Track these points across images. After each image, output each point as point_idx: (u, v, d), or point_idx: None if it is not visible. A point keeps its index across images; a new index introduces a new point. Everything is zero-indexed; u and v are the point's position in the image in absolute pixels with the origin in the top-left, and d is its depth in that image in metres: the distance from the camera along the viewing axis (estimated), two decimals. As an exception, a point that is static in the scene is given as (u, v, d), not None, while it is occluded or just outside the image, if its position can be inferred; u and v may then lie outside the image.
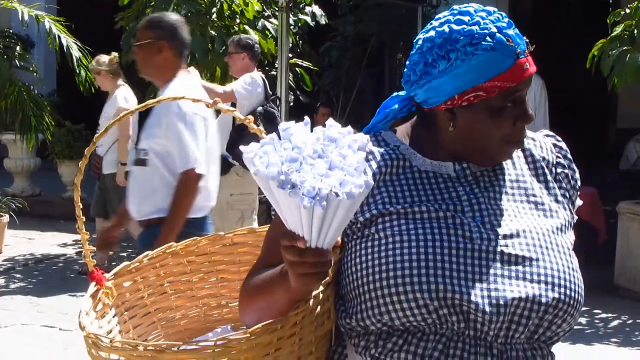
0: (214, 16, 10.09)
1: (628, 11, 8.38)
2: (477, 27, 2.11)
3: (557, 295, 2.04)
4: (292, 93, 11.48)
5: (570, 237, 2.21)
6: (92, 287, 2.33)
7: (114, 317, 2.39)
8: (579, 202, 2.32)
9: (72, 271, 9.92)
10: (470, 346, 2.03)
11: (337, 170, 1.85)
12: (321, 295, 2.07)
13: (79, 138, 12.77)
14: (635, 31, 8.05)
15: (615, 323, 8.08)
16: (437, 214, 2.11)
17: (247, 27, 10.09)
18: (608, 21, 8.65)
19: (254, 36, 9.71)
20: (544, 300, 2.03)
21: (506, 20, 2.15)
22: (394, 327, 2.07)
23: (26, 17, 9.95)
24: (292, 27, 11.14)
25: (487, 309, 2.00)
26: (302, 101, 12.54)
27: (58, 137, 12.25)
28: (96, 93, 10.18)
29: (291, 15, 10.98)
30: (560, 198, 2.25)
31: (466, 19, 2.14)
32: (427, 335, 2.05)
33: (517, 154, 2.27)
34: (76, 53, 9.84)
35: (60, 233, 11.94)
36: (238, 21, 10.20)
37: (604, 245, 9.33)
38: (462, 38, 2.11)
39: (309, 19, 11.63)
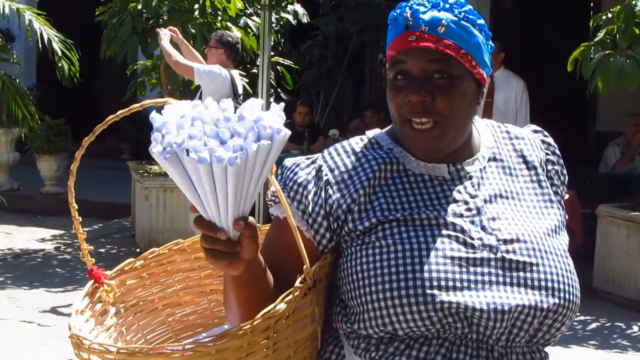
0: (196, 13, 10.08)
1: (610, 15, 8.41)
2: (404, 3, 2.19)
3: (556, 300, 2.05)
4: (272, 91, 11.47)
5: (564, 237, 2.22)
6: (89, 285, 2.32)
7: (115, 314, 2.37)
8: (566, 196, 2.33)
9: (51, 266, 9.88)
10: (472, 349, 2.04)
11: (217, 141, 1.87)
12: (299, 299, 2.04)
13: (59, 133, 12.74)
14: (617, 35, 8.07)
15: (593, 325, 8.10)
16: (437, 221, 2.10)
17: (229, 24, 10.08)
18: (590, 25, 8.68)
19: (237, 33, 9.71)
20: (544, 305, 2.04)
21: (440, 3, 2.17)
22: (397, 334, 2.06)
23: (7, 10, 9.88)
24: (274, 25, 11.13)
25: (491, 315, 2.00)
26: (283, 99, 12.53)
27: (37, 132, 12.20)
28: (75, 87, 10.13)
29: (273, 14, 10.97)
30: (552, 197, 2.25)
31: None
32: (430, 339, 2.05)
33: (509, 154, 2.27)
34: (57, 46, 9.78)
35: (39, 228, 11.87)
36: (220, 18, 10.18)
37: (582, 247, 9.37)
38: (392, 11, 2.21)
39: (291, 17, 11.63)
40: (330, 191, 2.16)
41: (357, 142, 2.25)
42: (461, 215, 2.12)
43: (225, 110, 1.94)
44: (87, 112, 13.21)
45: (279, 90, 12.16)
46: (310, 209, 2.16)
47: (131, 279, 2.45)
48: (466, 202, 2.15)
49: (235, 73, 8.78)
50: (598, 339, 7.78)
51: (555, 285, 2.07)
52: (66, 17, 12.02)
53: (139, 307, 2.47)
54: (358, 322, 2.09)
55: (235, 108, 1.98)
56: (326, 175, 2.18)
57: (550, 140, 2.36)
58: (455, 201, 2.15)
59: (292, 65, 11.71)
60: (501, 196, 2.18)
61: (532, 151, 2.29)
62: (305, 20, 11.83)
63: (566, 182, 2.34)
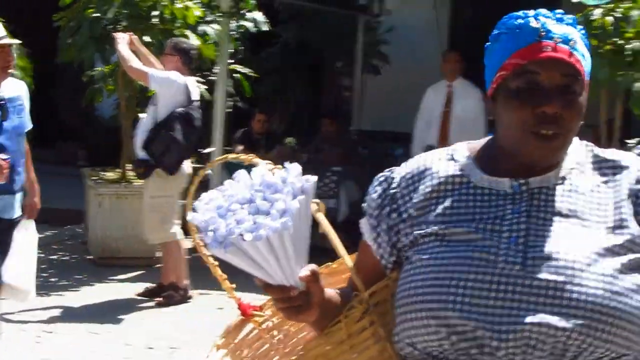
0: (155, 20, 10.02)
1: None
2: (521, 13, 2.14)
3: (581, 321, 1.96)
4: (230, 99, 11.44)
5: (628, 260, 2.05)
6: (237, 318, 2.46)
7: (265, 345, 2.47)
8: None
9: None
10: None
11: (261, 214, 1.99)
12: (351, 325, 2.19)
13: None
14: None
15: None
16: (469, 236, 2.09)
17: (187, 32, 10.03)
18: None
19: (194, 41, 9.66)
20: (565, 325, 1.96)
21: (565, 17, 2.15)
22: (423, 353, 2.08)
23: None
24: (233, 33, 11.10)
25: (494, 335, 1.97)
26: (241, 107, 12.50)
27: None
28: (34, 94, 10.03)
29: (233, 21, 10.94)
30: (630, 220, 2.10)
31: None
32: None
33: (590, 176, 2.16)
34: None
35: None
36: (178, 25, 10.13)
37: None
38: (503, 20, 2.16)
39: (250, 25, 11.58)
40: (395, 204, 2.21)
41: (433, 154, 2.27)
42: (500, 231, 2.08)
43: (253, 185, 2.06)
44: (47, 119, 13.09)
45: (237, 98, 12.12)
46: (376, 222, 2.24)
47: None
48: (512, 218, 2.09)
49: (191, 80, 8.75)
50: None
51: (582, 304, 1.97)
52: (26, 24, 11.89)
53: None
54: (393, 337, 2.16)
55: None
56: (393, 188, 2.24)
57: None
58: (503, 216, 2.10)
59: (251, 73, 11.66)
60: (559, 214, 2.10)
61: (624, 173, 2.17)
62: (265, 28, 11.79)
63: None
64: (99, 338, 7.41)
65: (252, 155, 2.25)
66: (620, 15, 8.14)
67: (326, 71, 15.69)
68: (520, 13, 2.15)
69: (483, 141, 2.25)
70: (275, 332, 2.43)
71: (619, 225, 2.08)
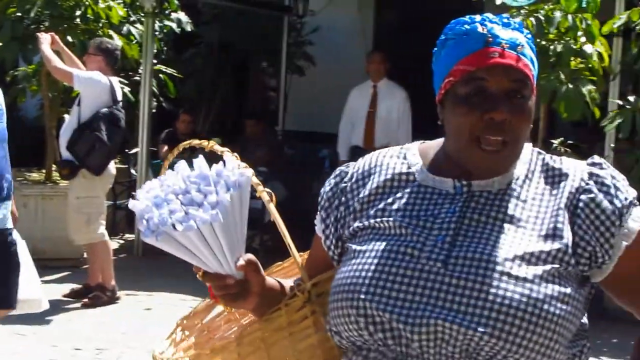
0: (78, 20, 9.95)
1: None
2: (467, 18, 2.14)
3: (492, 323, 1.96)
4: (155, 99, 11.40)
5: (555, 268, 2.04)
6: (204, 301, 2.52)
7: None
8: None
9: None
10: None
11: (195, 206, 2.08)
12: (291, 313, 2.22)
13: None
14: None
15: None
16: (400, 230, 2.11)
17: (111, 32, 9.98)
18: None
19: (117, 41, 9.62)
20: (471, 325, 1.96)
21: (512, 21, 2.16)
22: (348, 342, 2.12)
23: None
24: (157, 33, 11.07)
25: (407, 328, 1.99)
26: (165, 108, 12.46)
27: None
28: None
29: (157, 21, 10.91)
30: (564, 229, 2.08)
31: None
32: (371, 351, 2.09)
33: (536, 183, 2.15)
34: None
35: None
36: (102, 25, 10.08)
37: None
38: (450, 26, 2.16)
39: (174, 25, 11.56)
40: (344, 198, 2.26)
41: (388, 151, 2.29)
42: (430, 228, 2.09)
43: (190, 175, 2.14)
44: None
45: (161, 98, 12.08)
46: (325, 214, 2.29)
47: None
48: (445, 217, 2.10)
49: (115, 80, 8.71)
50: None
51: (497, 307, 1.97)
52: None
53: None
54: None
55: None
56: (345, 182, 2.28)
57: (600, 172, 2.14)
58: (438, 214, 2.12)
59: (175, 74, 11.63)
60: (495, 218, 2.10)
61: (567, 180, 2.14)
62: (188, 28, 11.76)
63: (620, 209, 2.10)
64: (25, 340, 7.34)
65: (212, 142, 2.27)
66: (543, 16, 8.29)
67: (251, 72, 15.70)
68: (467, 18, 2.15)
69: (436, 142, 2.26)
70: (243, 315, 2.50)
71: (552, 234, 2.07)
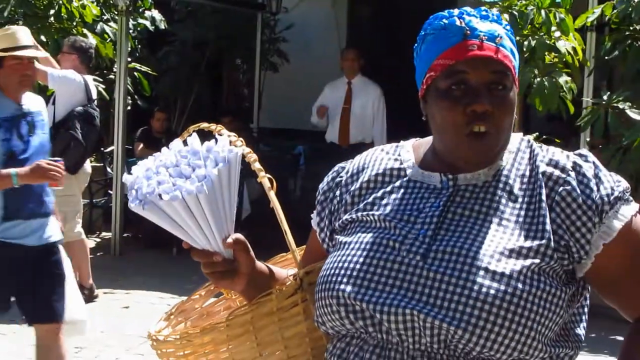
0: (51, 18, 9.93)
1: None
2: (446, 13, 2.16)
3: (466, 317, 1.96)
4: (130, 97, 11.38)
5: (536, 263, 2.03)
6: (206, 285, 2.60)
7: None
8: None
9: None
10: (408, 355, 2.04)
11: (183, 178, 2.14)
12: (282, 299, 2.24)
13: None
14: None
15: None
16: (384, 223, 2.15)
17: (85, 30, 9.97)
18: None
19: (92, 40, 9.61)
20: (446, 319, 1.97)
21: (490, 13, 2.16)
22: (333, 330, 2.15)
23: None
24: (131, 31, 11.05)
25: (384, 317, 2.02)
26: (140, 106, 12.44)
27: None
28: None
29: (130, 19, 10.89)
30: (546, 223, 2.07)
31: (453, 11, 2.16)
32: (354, 339, 2.13)
33: (519, 174, 2.15)
34: None
35: None
36: (75, 24, 10.06)
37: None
38: (429, 21, 2.17)
39: (148, 23, 11.55)
40: (338, 191, 2.31)
41: (384, 148, 2.33)
42: (414, 222, 2.12)
43: (181, 150, 2.21)
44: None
45: (136, 96, 12.06)
46: (321, 208, 2.34)
47: None
48: (429, 211, 2.12)
49: (89, 78, 8.70)
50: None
51: (472, 302, 1.97)
52: None
53: None
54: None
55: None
56: (340, 176, 2.33)
57: (584, 164, 2.12)
58: (422, 208, 2.14)
59: (150, 72, 11.62)
60: (479, 212, 2.10)
61: (547, 171, 2.14)
62: (162, 26, 11.76)
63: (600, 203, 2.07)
64: (4, 338, 7.34)
65: (220, 125, 2.32)
66: (517, 12, 8.33)
67: (225, 69, 15.68)
68: (445, 12, 2.16)
69: (429, 138, 2.27)
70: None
71: (535, 228, 2.06)
